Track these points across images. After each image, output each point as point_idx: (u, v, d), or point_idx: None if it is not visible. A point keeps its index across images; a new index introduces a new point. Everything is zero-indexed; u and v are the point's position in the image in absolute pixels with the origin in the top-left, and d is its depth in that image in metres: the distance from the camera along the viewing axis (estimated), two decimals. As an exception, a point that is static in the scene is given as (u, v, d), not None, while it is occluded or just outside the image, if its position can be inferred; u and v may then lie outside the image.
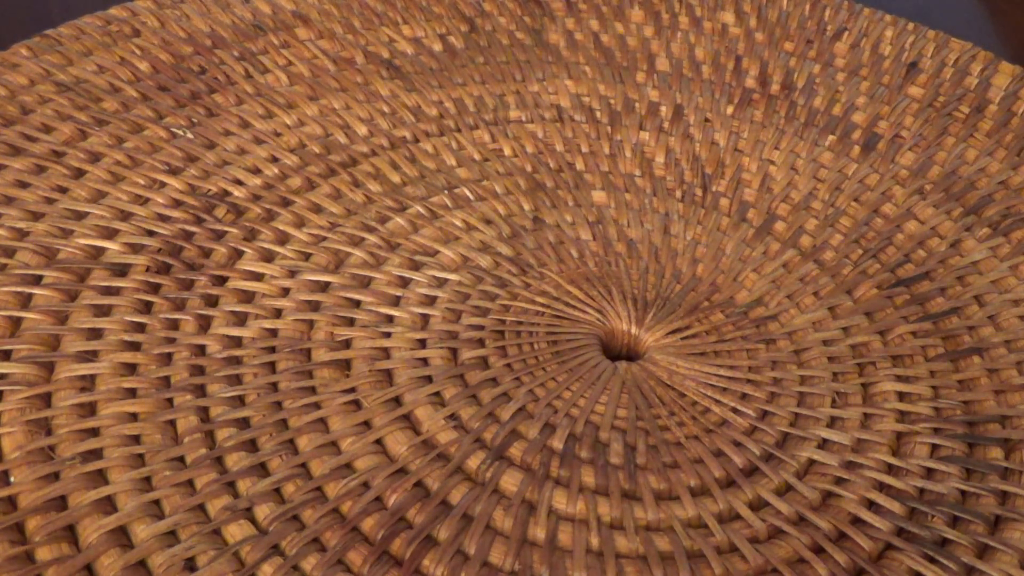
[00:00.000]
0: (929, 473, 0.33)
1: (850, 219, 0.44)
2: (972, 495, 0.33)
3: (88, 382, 0.32)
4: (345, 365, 0.35)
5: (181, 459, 0.31)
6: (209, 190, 0.40)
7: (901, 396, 0.36)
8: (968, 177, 0.46)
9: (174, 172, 0.41)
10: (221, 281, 0.37)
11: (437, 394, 0.34)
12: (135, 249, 0.37)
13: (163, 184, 0.40)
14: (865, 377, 0.37)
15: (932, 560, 0.30)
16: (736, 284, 0.41)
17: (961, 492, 0.33)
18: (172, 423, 0.32)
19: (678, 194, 0.46)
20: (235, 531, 0.29)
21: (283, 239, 0.39)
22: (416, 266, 0.39)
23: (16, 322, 0.34)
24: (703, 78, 0.52)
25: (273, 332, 0.35)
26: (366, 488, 0.31)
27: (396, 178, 0.43)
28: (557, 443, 0.33)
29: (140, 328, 0.34)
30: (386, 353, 0.35)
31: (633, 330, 0.39)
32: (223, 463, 0.31)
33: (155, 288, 0.36)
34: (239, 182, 0.41)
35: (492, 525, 0.30)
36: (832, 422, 0.35)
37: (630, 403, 0.35)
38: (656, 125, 0.49)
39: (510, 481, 0.31)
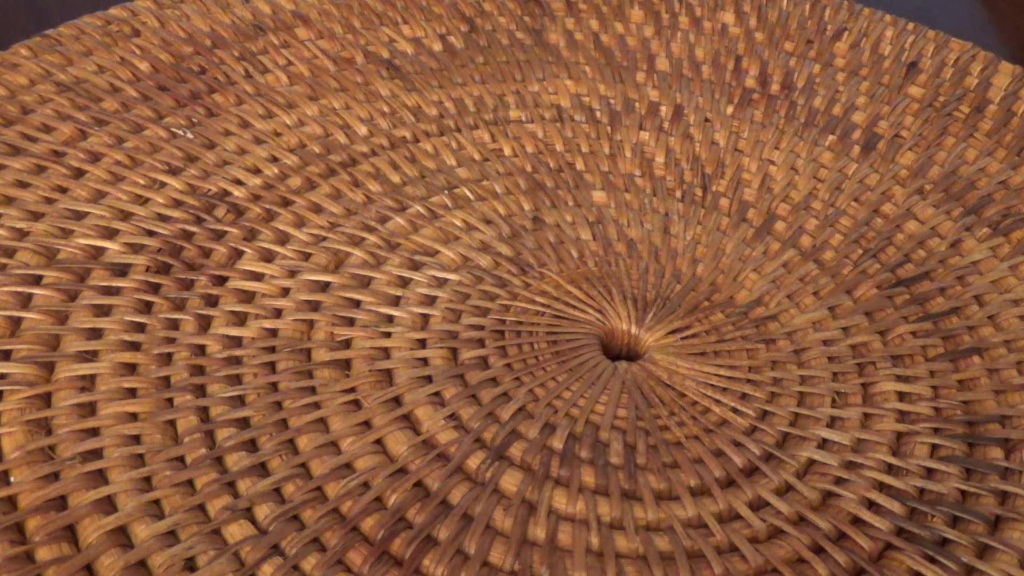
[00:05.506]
0: (929, 473, 0.33)
1: (850, 219, 0.44)
2: (972, 495, 0.33)
3: (88, 382, 0.32)
4: (345, 365, 0.35)
5: (181, 459, 0.31)
6: (209, 190, 0.40)
7: (901, 396, 0.36)
8: (968, 177, 0.46)
9: (174, 172, 0.41)
10: (221, 281, 0.37)
11: (437, 394, 0.34)
12: (135, 249, 0.37)
13: (163, 184, 0.40)
14: (865, 377, 0.37)
15: (932, 560, 0.30)
16: (736, 284, 0.41)
17: (961, 492, 0.33)
18: (172, 423, 0.32)
19: (678, 194, 0.46)
20: (235, 531, 0.29)
21: (283, 239, 0.39)
22: (416, 266, 0.39)
23: (16, 322, 0.34)
24: (703, 78, 0.52)
25: (273, 332, 0.35)
26: (366, 488, 0.31)
27: (396, 178, 0.43)
28: (557, 443, 0.33)
29: (140, 328, 0.34)
30: (386, 353, 0.35)
31: (633, 330, 0.39)
32: (223, 463, 0.31)
33: (155, 288, 0.36)
34: (239, 182, 0.41)
35: (492, 525, 0.30)
36: (832, 422, 0.35)
37: (630, 403, 0.35)
38: (656, 125, 0.49)
39: (510, 481, 0.31)
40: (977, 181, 0.46)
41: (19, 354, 0.33)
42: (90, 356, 0.33)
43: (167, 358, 0.34)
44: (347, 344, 0.35)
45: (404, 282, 0.38)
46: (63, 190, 0.39)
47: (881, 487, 0.33)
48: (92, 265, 0.36)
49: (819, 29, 0.55)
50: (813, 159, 0.48)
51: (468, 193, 0.43)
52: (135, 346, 0.34)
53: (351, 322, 0.36)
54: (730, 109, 0.50)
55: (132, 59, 0.46)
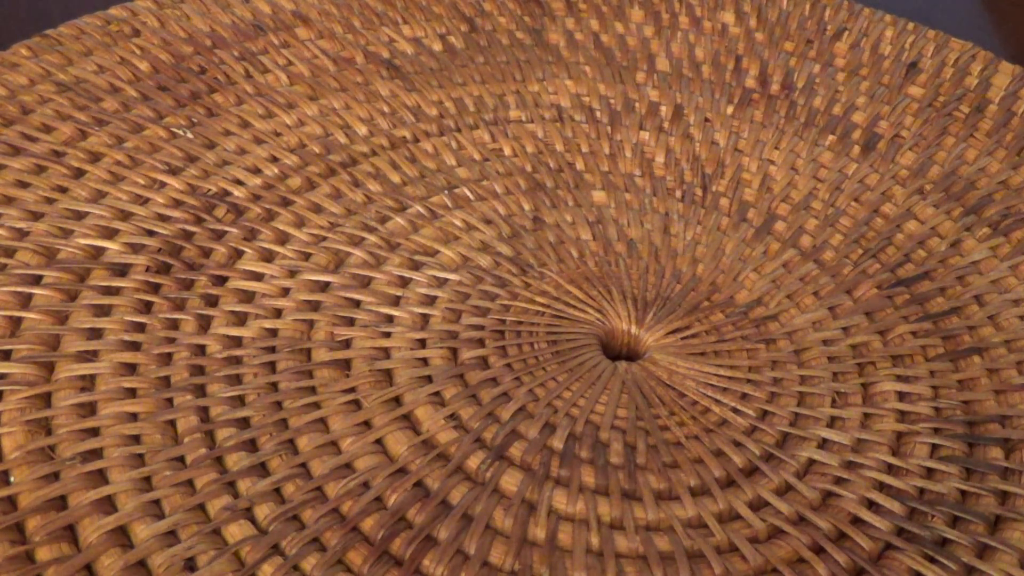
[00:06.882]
0: (929, 473, 0.33)
1: (850, 219, 0.44)
2: (972, 495, 0.33)
3: (88, 382, 0.32)
4: (345, 365, 0.35)
5: (181, 459, 0.31)
6: (209, 190, 0.40)
7: (901, 396, 0.36)
8: (968, 177, 0.46)
9: (174, 172, 0.41)
10: (221, 281, 0.37)
11: (437, 394, 0.34)
12: (135, 249, 0.37)
13: (163, 184, 0.40)
14: (865, 377, 0.37)
15: (932, 560, 0.30)
16: (736, 284, 0.41)
17: (961, 492, 0.33)
18: (172, 423, 0.32)
19: (678, 194, 0.46)
20: (235, 531, 0.29)
21: (283, 239, 0.39)
22: (416, 266, 0.39)
23: (16, 322, 0.34)
24: (703, 78, 0.52)
25: (273, 332, 0.35)
26: (366, 488, 0.31)
27: (396, 178, 0.43)
28: (557, 443, 0.33)
29: (140, 328, 0.34)
30: (386, 353, 0.35)
31: (633, 330, 0.39)
32: (223, 463, 0.31)
33: (155, 288, 0.36)
34: (239, 182, 0.41)
35: (492, 525, 0.30)
36: (832, 422, 0.35)
37: (630, 403, 0.35)
38: (656, 125, 0.49)
39: (510, 481, 0.31)
40: (977, 181, 0.46)
41: (19, 354, 0.33)
42: (90, 356, 0.33)
43: (167, 358, 0.34)
44: (347, 344, 0.35)
45: (404, 282, 0.38)
46: (63, 190, 0.39)
47: (881, 487, 0.33)
48: (92, 265, 0.36)
49: (819, 29, 0.55)
50: (813, 159, 0.48)
51: (468, 193, 0.43)
52: (135, 346, 0.34)
53: (351, 322, 0.36)
54: (730, 109, 0.50)
55: (132, 59, 0.46)
